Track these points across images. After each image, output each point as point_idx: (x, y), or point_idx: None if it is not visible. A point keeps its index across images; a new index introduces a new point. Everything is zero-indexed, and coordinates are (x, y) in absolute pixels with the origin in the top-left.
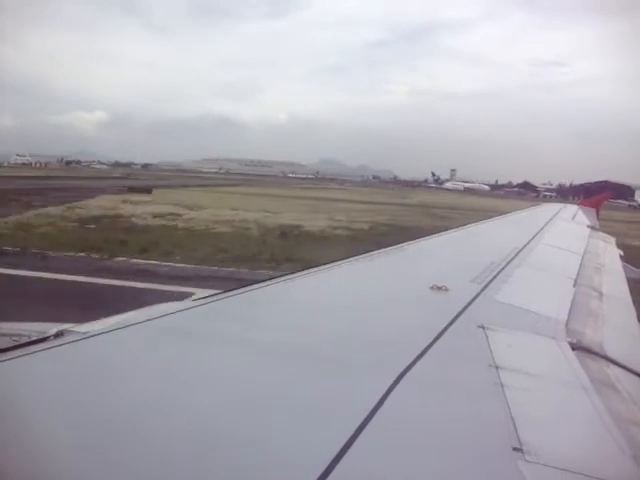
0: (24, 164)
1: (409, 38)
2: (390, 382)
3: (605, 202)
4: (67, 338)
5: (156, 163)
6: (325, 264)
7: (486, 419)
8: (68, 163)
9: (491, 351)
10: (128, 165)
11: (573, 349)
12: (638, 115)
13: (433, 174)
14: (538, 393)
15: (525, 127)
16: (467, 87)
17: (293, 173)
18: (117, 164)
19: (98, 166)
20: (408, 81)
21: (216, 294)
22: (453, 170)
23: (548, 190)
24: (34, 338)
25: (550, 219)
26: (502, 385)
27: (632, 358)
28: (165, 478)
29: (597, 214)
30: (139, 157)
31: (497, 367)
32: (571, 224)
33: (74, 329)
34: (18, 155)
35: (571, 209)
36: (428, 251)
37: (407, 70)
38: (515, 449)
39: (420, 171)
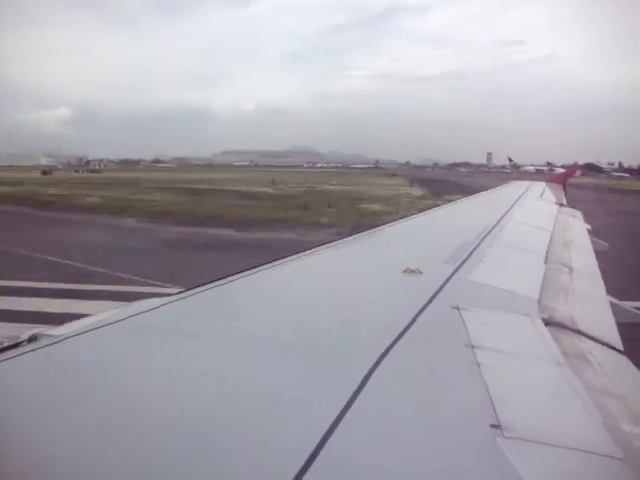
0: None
1: (371, 22)
2: (368, 367)
3: (571, 178)
4: (41, 342)
5: (166, 160)
6: (299, 252)
7: (464, 398)
8: (87, 163)
9: (467, 331)
10: (137, 162)
11: (546, 325)
12: (605, 90)
13: (510, 159)
14: (514, 370)
15: (495, 107)
16: (433, 69)
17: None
18: (127, 161)
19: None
20: (373, 65)
21: (190, 289)
22: (489, 153)
23: (616, 170)
24: (6, 344)
25: (519, 197)
26: (479, 364)
27: (602, 330)
28: (152, 475)
29: (564, 190)
30: (108, 153)
31: (473, 346)
32: (539, 201)
33: (48, 332)
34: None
35: (539, 186)
36: (400, 234)
37: (370, 54)
38: (493, 426)
39: (393, 154)
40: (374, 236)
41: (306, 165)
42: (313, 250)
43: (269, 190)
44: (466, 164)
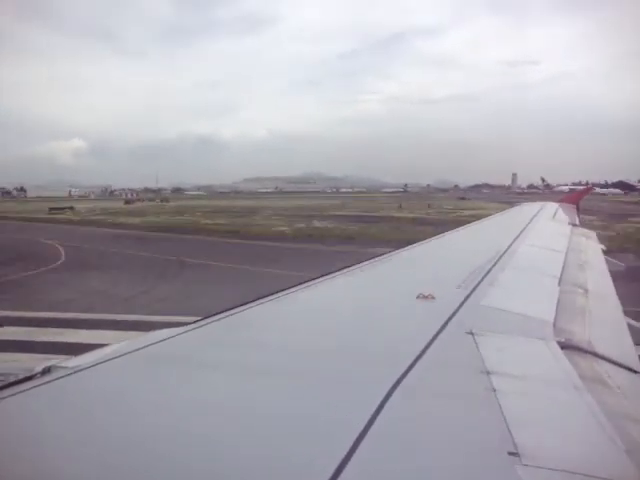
0: (81, 196)
1: (380, 46)
2: (384, 393)
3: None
4: (55, 374)
5: (186, 188)
6: (313, 279)
7: (480, 425)
8: (112, 193)
9: (481, 356)
10: (158, 190)
11: (562, 348)
12: (619, 108)
13: (543, 179)
14: (530, 396)
15: (506, 126)
16: (442, 91)
17: (345, 188)
18: (148, 190)
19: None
20: (384, 89)
21: (203, 319)
22: (514, 174)
23: None
24: (21, 377)
25: (531, 219)
26: (494, 390)
27: (620, 352)
28: None
29: (577, 210)
30: (122, 182)
31: (488, 372)
32: (552, 222)
33: (62, 364)
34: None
35: (551, 207)
36: (413, 260)
37: (381, 78)
38: (511, 453)
39: (408, 177)
40: (387, 261)
41: (329, 190)
42: (327, 276)
43: (412, 215)
44: (487, 185)
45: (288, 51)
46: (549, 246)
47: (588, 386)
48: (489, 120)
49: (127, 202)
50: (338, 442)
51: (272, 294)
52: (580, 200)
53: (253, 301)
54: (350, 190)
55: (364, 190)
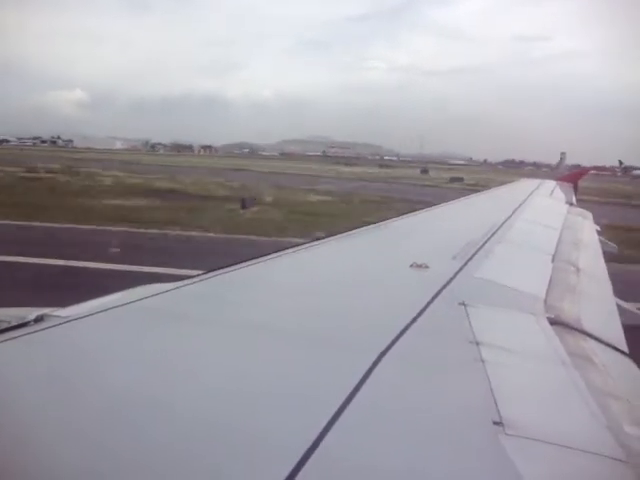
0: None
1: (391, 13)
2: (371, 361)
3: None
4: (48, 323)
5: (217, 146)
6: (308, 242)
7: (467, 395)
8: (153, 147)
9: (471, 327)
10: (189, 147)
11: (552, 324)
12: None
13: (620, 162)
14: (518, 368)
15: (516, 102)
16: (452, 62)
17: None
18: (177, 145)
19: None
20: (392, 57)
21: (197, 275)
22: (563, 153)
23: None
24: (13, 323)
25: (529, 195)
26: (482, 361)
27: (608, 332)
28: (151, 461)
29: (575, 190)
30: (128, 135)
31: (477, 343)
32: (549, 200)
33: (55, 313)
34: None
35: (549, 184)
36: (409, 229)
37: (389, 46)
38: (495, 423)
39: (407, 146)
40: (382, 229)
41: (376, 157)
42: (321, 241)
43: None
44: (522, 162)
45: (293, 12)
46: (545, 223)
47: (574, 362)
48: (501, 93)
49: (424, 172)
50: (323, 408)
51: (266, 256)
52: (579, 180)
53: (244, 262)
54: (395, 158)
55: (409, 159)
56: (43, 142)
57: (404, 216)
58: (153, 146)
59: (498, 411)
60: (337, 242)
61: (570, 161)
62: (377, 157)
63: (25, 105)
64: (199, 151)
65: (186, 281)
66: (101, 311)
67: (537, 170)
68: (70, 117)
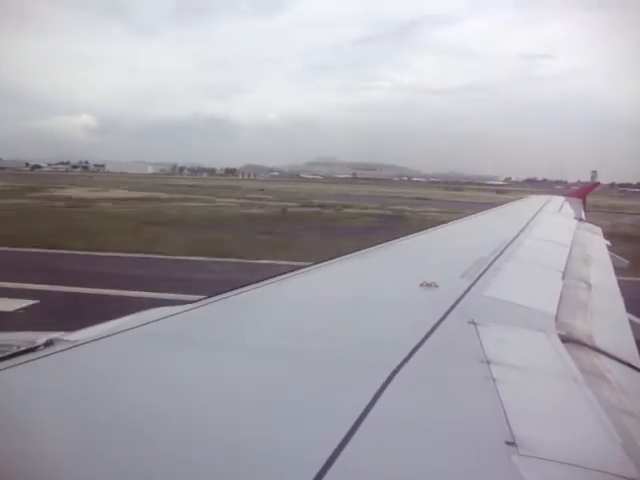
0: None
1: (395, 34)
2: (382, 380)
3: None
4: (57, 347)
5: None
6: (314, 264)
7: (479, 414)
8: (181, 170)
9: (482, 346)
10: (212, 170)
11: (563, 342)
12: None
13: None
14: (530, 387)
15: (520, 120)
16: (456, 82)
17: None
18: (201, 169)
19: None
20: (396, 77)
21: (206, 298)
22: (594, 171)
23: None
24: (23, 348)
25: (537, 212)
26: (494, 380)
27: (621, 348)
28: None
29: (584, 205)
30: (130, 159)
31: (488, 362)
32: (558, 216)
33: (64, 337)
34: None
35: (558, 201)
36: (417, 248)
37: (394, 66)
38: (508, 443)
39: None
40: (391, 248)
41: (396, 179)
42: (329, 261)
43: None
44: (545, 181)
45: (298, 36)
46: (554, 239)
47: (587, 380)
48: (508, 112)
49: (499, 192)
50: (335, 427)
51: (274, 277)
52: (587, 195)
53: (254, 283)
54: (421, 180)
55: (436, 180)
56: (74, 167)
57: (413, 235)
58: (181, 170)
59: (511, 431)
60: (346, 262)
61: (582, 177)
62: (405, 178)
63: (36, 130)
64: (242, 175)
65: (193, 304)
66: (110, 335)
67: (567, 189)
68: (78, 142)
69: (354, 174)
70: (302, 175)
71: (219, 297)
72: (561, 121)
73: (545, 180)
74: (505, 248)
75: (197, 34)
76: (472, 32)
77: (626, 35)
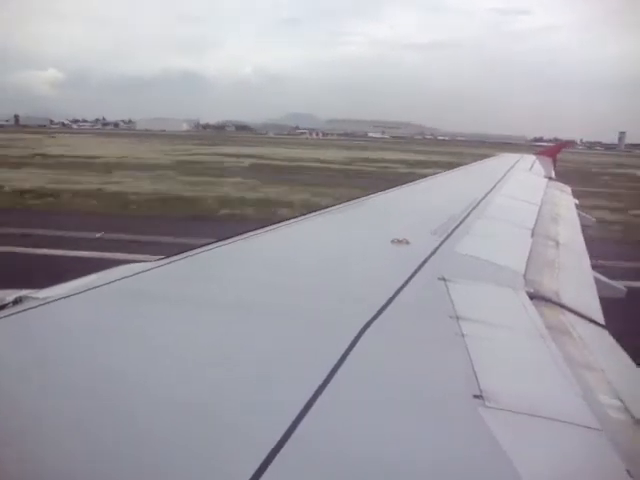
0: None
1: None
2: (353, 336)
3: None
4: (26, 304)
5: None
6: (288, 220)
7: (447, 369)
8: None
9: (452, 302)
10: (222, 127)
11: (531, 298)
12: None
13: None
14: (498, 342)
15: (494, 77)
16: (430, 37)
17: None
18: (208, 126)
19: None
20: (369, 32)
21: (178, 254)
22: (622, 132)
23: None
24: None
25: (508, 170)
26: (463, 335)
27: (586, 305)
28: (135, 442)
29: (554, 164)
30: (106, 115)
31: (458, 318)
32: (529, 174)
33: (33, 295)
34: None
35: (529, 159)
36: (389, 204)
37: (367, 20)
38: (475, 396)
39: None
40: (362, 205)
41: (418, 137)
42: (301, 218)
43: None
44: (556, 140)
45: None
46: (524, 198)
47: (553, 335)
48: (474, 69)
49: None
50: (306, 383)
51: (247, 233)
52: (557, 154)
53: (227, 239)
54: (447, 138)
55: (463, 138)
56: (105, 124)
57: (385, 192)
58: (204, 127)
59: (478, 384)
60: (318, 218)
61: (562, 135)
62: (429, 137)
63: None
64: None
65: (165, 260)
66: (80, 292)
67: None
68: (45, 97)
69: (383, 132)
70: (370, 134)
71: (190, 254)
72: (534, 79)
73: (541, 138)
74: (476, 206)
75: None
76: None
77: None
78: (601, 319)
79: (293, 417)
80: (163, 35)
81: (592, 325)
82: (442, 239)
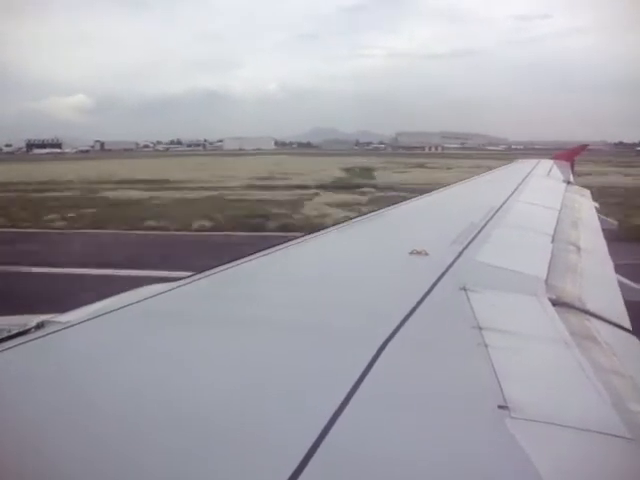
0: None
1: (387, 0)
2: (375, 349)
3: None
4: (48, 329)
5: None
6: (307, 235)
7: (471, 380)
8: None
9: (473, 312)
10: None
11: (554, 305)
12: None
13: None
14: (521, 350)
15: (516, 83)
16: (451, 46)
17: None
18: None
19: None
20: (389, 45)
21: (197, 274)
22: None
23: None
24: (14, 331)
25: (526, 176)
26: (486, 345)
27: (611, 310)
28: (158, 462)
29: (572, 168)
30: (132, 138)
31: (480, 328)
32: (547, 180)
33: (55, 319)
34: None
35: (546, 164)
36: (407, 216)
37: (386, 33)
38: (500, 407)
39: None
40: (380, 218)
41: (491, 147)
42: (320, 232)
43: None
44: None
45: (287, 6)
46: (543, 203)
47: (578, 342)
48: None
49: None
50: (330, 396)
51: (266, 250)
52: (575, 158)
53: (247, 257)
54: (520, 147)
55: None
56: (196, 145)
57: (402, 203)
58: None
59: (503, 395)
60: (337, 233)
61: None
62: (503, 147)
63: (23, 110)
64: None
65: (185, 280)
66: (101, 315)
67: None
68: (71, 122)
69: (462, 143)
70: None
71: (209, 273)
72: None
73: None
74: (495, 213)
75: (185, 7)
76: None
77: None
78: (627, 324)
79: (319, 430)
80: (186, 55)
81: (618, 330)
82: (462, 248)
